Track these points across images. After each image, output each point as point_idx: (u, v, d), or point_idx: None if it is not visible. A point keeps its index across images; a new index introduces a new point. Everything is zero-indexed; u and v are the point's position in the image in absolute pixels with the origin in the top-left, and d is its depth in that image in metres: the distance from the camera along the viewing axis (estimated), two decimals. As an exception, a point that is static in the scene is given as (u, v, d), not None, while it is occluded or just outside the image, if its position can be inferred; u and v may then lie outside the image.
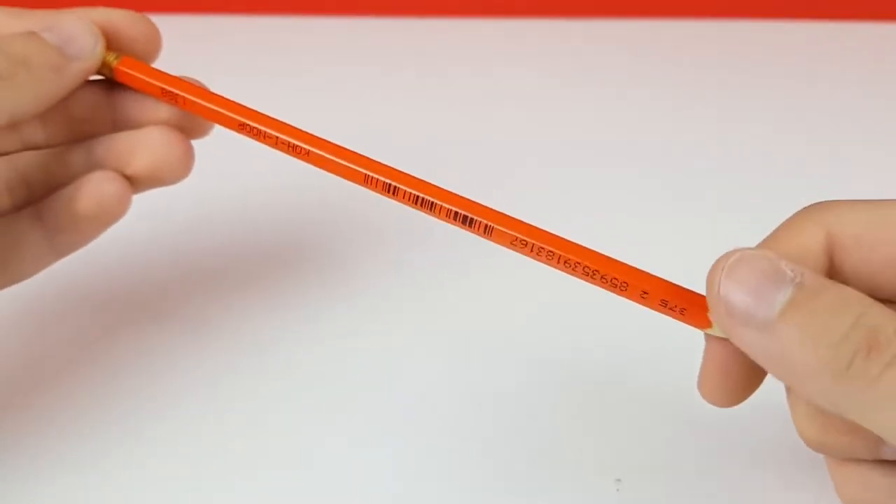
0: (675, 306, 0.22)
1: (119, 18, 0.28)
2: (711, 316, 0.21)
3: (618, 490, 0.28)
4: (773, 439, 0.28)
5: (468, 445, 0.29)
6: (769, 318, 0.20)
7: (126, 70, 0.27)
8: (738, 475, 0.27)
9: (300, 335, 0.33)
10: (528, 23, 0.58)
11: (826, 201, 0.23)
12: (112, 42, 0.28)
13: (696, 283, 0.22)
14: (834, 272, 0.22)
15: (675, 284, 0.23)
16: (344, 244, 0.37)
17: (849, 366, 0.19)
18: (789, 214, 0.22)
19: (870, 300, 0.20)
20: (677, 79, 0.53)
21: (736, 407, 0.24)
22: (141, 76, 0.27)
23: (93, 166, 0.28)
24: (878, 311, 0.20)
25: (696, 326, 0.23)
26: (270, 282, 0.35)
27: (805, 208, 0.23)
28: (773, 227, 0.23)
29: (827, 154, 0.45)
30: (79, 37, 0.27)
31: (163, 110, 0.28)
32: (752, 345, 0.20)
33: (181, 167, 0.28)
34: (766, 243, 0.23)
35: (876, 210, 0.22)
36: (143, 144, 0.28)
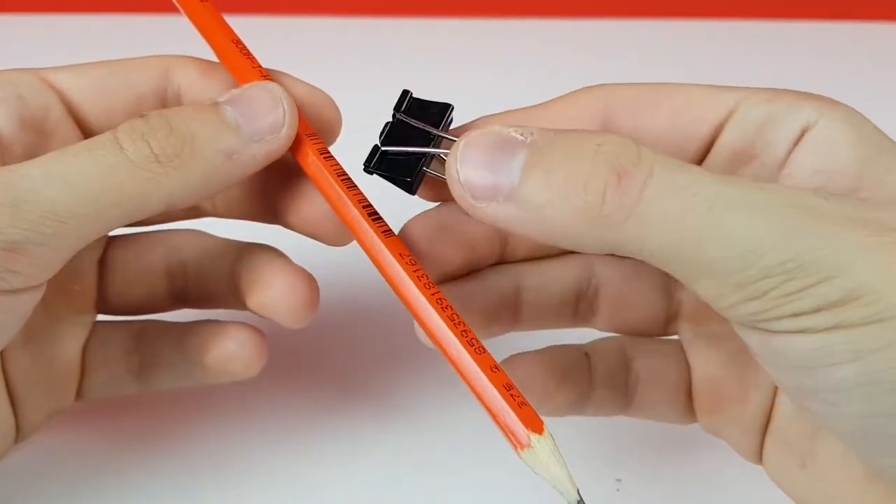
0: (517, 396, 0.20)
1: (314, 100, 0.25)
2: (460, 203, 0.20)
3: (618, 490, 0.28)
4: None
5: (468, 444, 0.29)
6: (512, 185, 0.19)
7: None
8: (738, 475, 0.27)
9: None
10: (529, 22, 0.58)
11: (605, 84, 0.23)
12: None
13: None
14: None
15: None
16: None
17: (602, 202, 0.18)
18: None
19: (604, 132, 0.20)
20: (677, 79, 0.53)
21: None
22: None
23: (247, 271, 0.26)
24: (615, 138, 0.19)
25: (524, 431, 0.20)
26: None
27: (584, 88, 0.23)
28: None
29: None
30: (266, 114, 0.23)
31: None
32: (506, 219, 0.20)
33: (294, 319, 0.25)
34: (535, 109, 0.23)
35: (650, 85, 0.23)
36: (267, 289, 0.25)
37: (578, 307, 0.26)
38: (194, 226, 0.28)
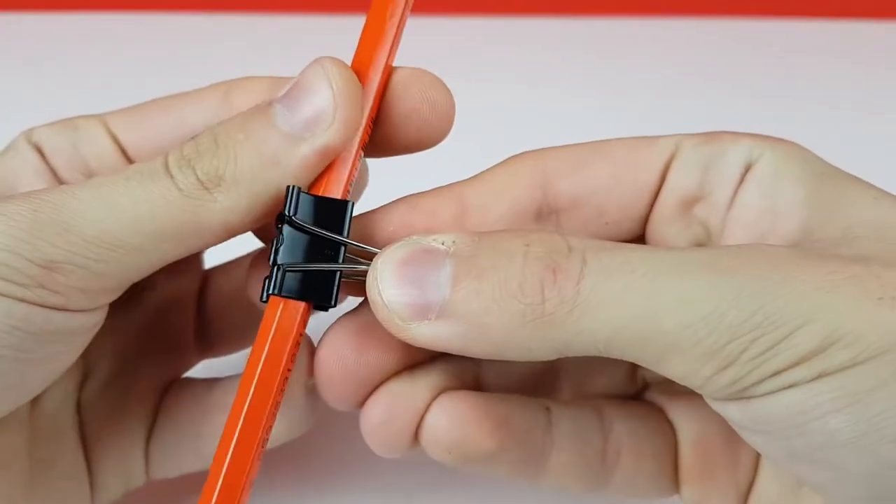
0: None
1: (404, 79, 0.22)
2: (387, 327, 0.18)
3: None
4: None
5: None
6: (442, 300, 0.18)
7: None
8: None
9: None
10: (530, 22, 0.58)
11: (536, 150, 0.22)
12: (385, 109, 0.20)
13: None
14: (548, 205, 0.22)
15: None
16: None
17: (543, 301, 0.17)
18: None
19: (527, 230, 0.19)
20: (677, 78, 0.53)
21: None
22: None
23: None
24: (542, 235, 0.18)
25: None
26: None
27: (515, 156, 0.22)
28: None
29: (827, 153, 0.45)
30: (321, 109, 0.19)
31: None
32: (443, 337, 0.18)
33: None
34: (469, 184, 0.21)
35: (583, 145, 0.22)
36: None
37: (542, 381, 0.24)
38: None
